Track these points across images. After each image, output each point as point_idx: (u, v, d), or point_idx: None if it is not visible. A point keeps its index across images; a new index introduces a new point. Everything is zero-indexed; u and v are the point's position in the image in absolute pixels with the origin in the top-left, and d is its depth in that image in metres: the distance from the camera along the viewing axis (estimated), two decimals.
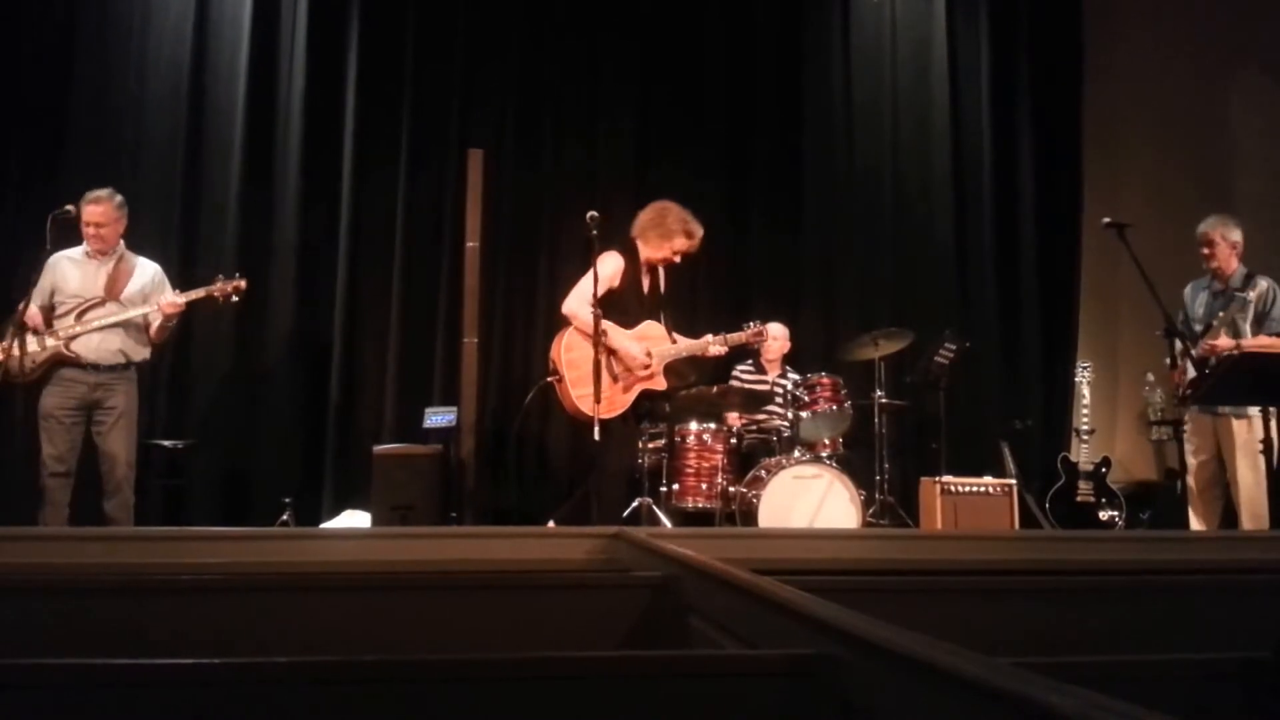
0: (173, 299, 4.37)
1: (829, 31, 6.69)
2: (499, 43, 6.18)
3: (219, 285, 4.48)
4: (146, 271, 4.49)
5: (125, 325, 4.34)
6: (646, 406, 4.53)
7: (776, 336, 5.66)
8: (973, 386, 6.41)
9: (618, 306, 4.25)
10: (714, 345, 4.49)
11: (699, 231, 4.40)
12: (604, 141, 6.27)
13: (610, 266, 4.28)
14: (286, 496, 5.14)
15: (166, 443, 5.13)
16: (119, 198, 4.44)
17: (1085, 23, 6.93)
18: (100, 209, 4.34)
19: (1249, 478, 4.44)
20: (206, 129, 5.72)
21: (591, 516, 4.22)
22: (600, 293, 4.12)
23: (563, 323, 4.35)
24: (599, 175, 6.17)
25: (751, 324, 4.73)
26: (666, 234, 4.34)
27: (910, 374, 5.68)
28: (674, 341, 4.45)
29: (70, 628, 1.38)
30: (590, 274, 4.19)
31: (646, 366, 4.32)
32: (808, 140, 6.56)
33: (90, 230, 4.35)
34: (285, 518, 5.03)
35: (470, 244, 5.19)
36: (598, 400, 3.96)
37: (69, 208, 4.25)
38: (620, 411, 4.22)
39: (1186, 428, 4.53)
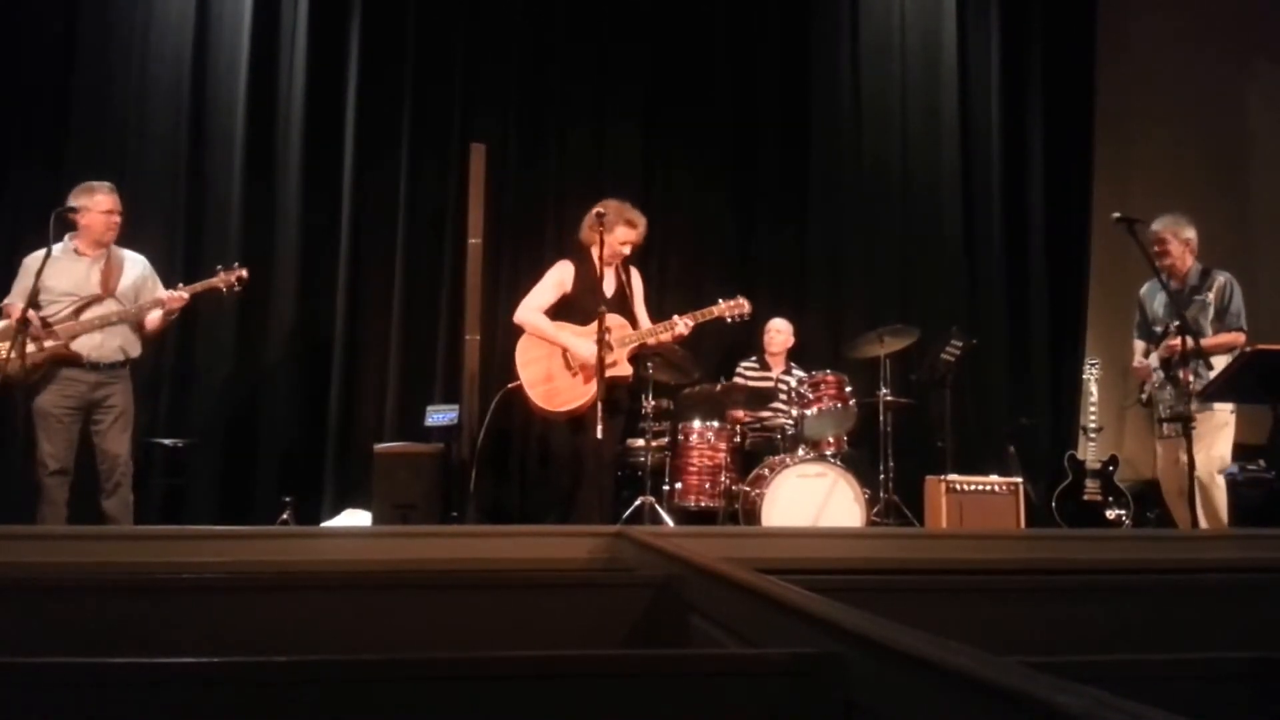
0: (177, 293, 4.37)
1: (837, 22, 6.63)
2: (502, 35, 6.14)
3: (221, 276, 4.49)
4: (136, 265, 4.48)
5: (124, 322, 4.33)
6: (621, 396, 4.58)
7: (780, 331, 5.64)
8: (979, 384, 6.40)
9: (574, 308, 4.46)
10: (680, 324, 4.51)
11: (640, 220, 4.54)
12: (609, 136, 6.24)
13: (560, 273, 4.53)
14: (287, 495, 5.14)
15: (167, 441, 5.13)
16: None
17: (1098, 13, 6.88)
18: (116, 197, 4.36)
19: (1205, 472, 4.41)
20: (208, 123, 5.70)
21: (580, 506, 4.31)
22: (553, 299, 4.49)
23: (518, 331, 4.54)
24: (604, 171, 6.13)
25: (731, 300, 4.70)
26: (607, 228, 4.44)
27: (916, 371, 5.66)
28: (636, 329, 4.52)
29: (70, 628, 1.37)
30: (540, 283, 4.54)
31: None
32: (815, 134, 6.53)
33: (115, 220, 4.35)
34: (285, 516, 5.02)
35: (473, 240, 5.18)
36: (602, 399, 4.02)
37: (71, 204, 4.24)
38: (583, 401, 4.32)
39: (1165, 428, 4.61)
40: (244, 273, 4.52)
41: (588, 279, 4.44)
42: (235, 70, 5.74)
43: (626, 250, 4.51)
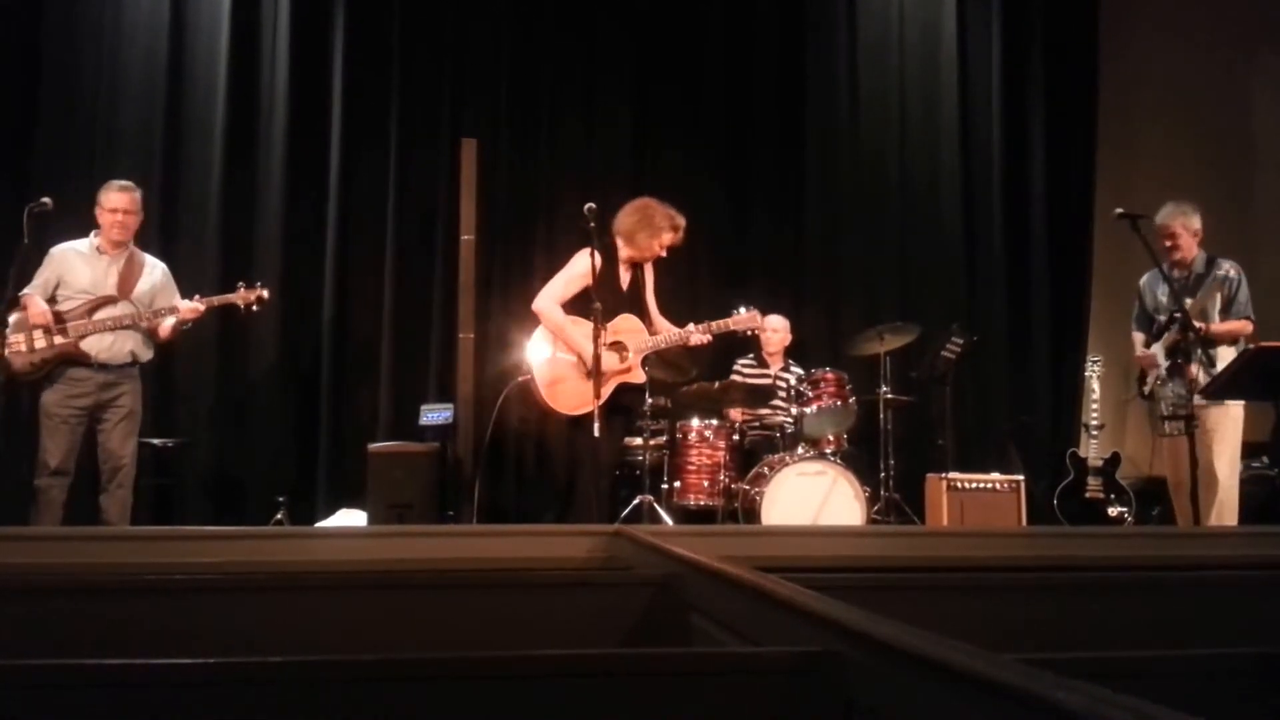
0: (193, 304, 4.36)
1: (834, 16, 6.58)
2: (491, 26, 6.06)
3: (241, 293, 4.46)
4: (155, 270, 4.48)
5: (135, 327, 4.31)
6: (633, 400, 4.53)
7: (777, 328, 5.62)
8: (980, 382, 6.39)
9: (589, 301, 4.23)
10: (696, 335, 4.46)
11: (683, 222, 4.46)
12: (601, 130, 6.18)
13: (583, 265, 4.30)
14: (280, 495, 5.11)
15: (155, 441, 5.06)
16: (138, 190, 4.42)
17: (1100, 6, 6.84)
18: (128, 197, 4.33)
19: (1225, 473, 4.38)
20: (185, 116, 5.56)
21: (575, 512, 4.25)
22: (574, 291, 4.30)
23: (534, 319, 4.43)
24: (596, 165, 6.09)
25: (740, 309, 4.66)
26: (655, 232, 4.37)
27: (916, 369, 5.65)
28: (653, 334, 4.46)
29: (68, 628, 1.37)
30: (562, 273, 4.38)
31: (623, 361, 4.35)
32: (811, 129, 6.48)
33: (118, 217, 4.31)
34: (279, 517, 5.01)
35: (465, 237, 5.14)
36: (598, 397, 3.99)
37: (45, 200, 4.17)
38: (594, 407, 4.14)
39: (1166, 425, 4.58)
40: (264, 293, 4.48)
41: (610, 274, 4.33)
42: (214, 60, 5.59)
43: (664, 253, 4.45)
